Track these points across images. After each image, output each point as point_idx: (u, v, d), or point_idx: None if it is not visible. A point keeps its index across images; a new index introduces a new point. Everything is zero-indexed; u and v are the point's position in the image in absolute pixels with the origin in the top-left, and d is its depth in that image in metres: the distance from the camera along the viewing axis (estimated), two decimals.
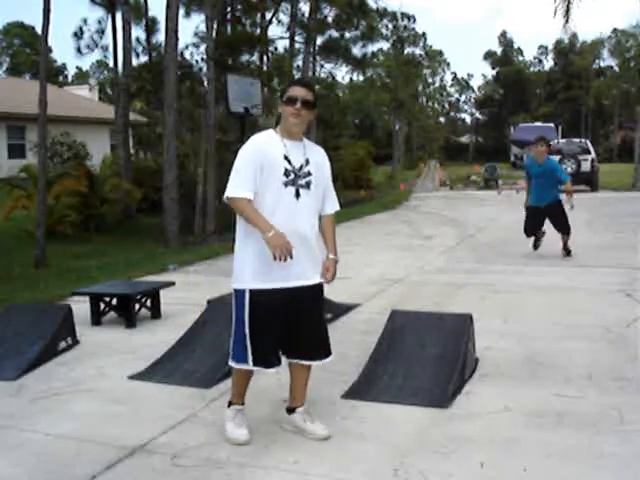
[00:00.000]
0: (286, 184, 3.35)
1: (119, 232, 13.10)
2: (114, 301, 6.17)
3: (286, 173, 3.34)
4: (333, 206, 3.62)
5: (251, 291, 3.35)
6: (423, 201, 19.93)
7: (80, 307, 6.14)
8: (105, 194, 13.49)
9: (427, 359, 4.24)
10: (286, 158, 3.35)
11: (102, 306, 6.14)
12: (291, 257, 3.22)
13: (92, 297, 6.14)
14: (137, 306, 6.12)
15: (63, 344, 5.22)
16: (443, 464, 3.14)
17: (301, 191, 3.38)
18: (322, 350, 3.51)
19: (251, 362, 3.38)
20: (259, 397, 4.07)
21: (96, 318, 6.08)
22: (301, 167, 3.40)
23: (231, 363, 3.48)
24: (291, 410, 3.59)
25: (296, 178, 3.37)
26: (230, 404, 3.58)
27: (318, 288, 3.50)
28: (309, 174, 3.41)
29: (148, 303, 6.26)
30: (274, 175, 3.33)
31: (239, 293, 3.39)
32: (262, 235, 3.22)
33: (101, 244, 11.74)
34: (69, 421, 3.79)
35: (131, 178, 14.86)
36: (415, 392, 3.98)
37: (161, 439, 3.51)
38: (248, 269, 3.35)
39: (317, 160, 3.49)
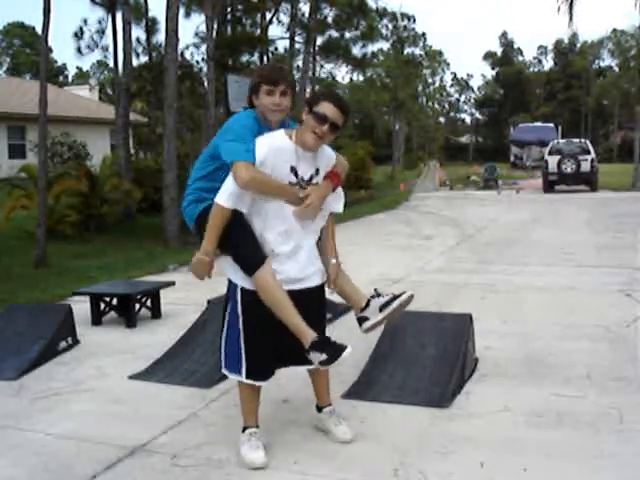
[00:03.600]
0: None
1: (119, 232, 13.09)
2: (114, 301, 6.17)
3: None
4: (337, 207, 3.38)
5: (242, 289, 3.17)
6: (423, 201, 19.93)
7: (80, 307, 6.14)
8: (105, 194, 13.48)
9: (427, 359, 4.24)
10: (293, 169, 3.14)
11: (102, 306, 6.14)
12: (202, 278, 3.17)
13: (92, 297, 6.14)
14: (137, 306, 6.12)
15: (63, 344, 5.22)
16: (443, 464, 3.14)
17: None
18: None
19: (244, 373, 3.20)
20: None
21: (96, 318, 6.08)
22: (311, 178, 3.20)
23: (224, 371, 3.32)
24: (319, 408, 3.56)
25: (301, 190, 3.15)
26: (244, 429, 3.30)
27: (320, 288, 3.37)
28: (317, 185, 3.22)
29: (148, 303, 6.26)
30: None
31: (232, 286, 3.23)
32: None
33: (101, 244, 11.74)
34: (69, 421, 3.79)
35: (131, 178, 14.86)
36: (415, 392, 3.98)
37: (161, 439, 3.52)
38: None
39: (327, 167, 3.28)
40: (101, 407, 4.03)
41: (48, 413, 3.94)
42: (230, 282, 3.26)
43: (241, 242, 3.12)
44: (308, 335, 3.04)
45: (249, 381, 3.23)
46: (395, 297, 3.29)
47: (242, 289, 3.18)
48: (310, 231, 3.28)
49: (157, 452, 3.36)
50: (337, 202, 3.40)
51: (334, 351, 2.99)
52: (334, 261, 3.35)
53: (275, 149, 3.10)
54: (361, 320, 3.36)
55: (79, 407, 4.03)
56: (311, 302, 3.27)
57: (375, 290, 3.41)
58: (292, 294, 3.13)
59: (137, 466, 3.22)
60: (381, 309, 3.28)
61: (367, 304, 3.33)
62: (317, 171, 3.23)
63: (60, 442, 3.52)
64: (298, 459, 3.23)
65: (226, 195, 3.08)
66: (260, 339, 3.19)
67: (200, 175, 3.29)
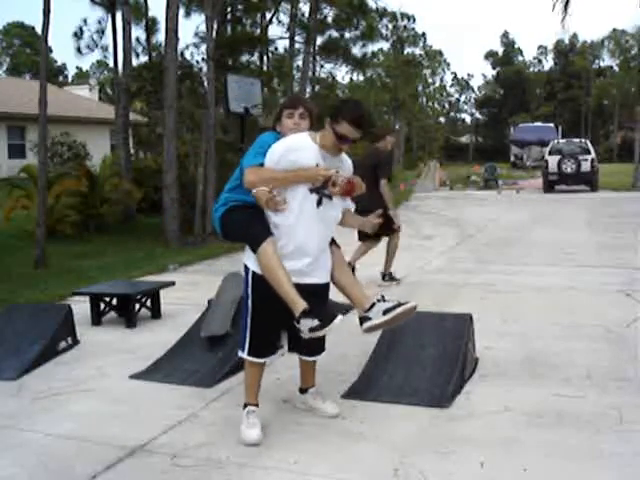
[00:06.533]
0: (311, 191, 3.41)
1: (119, 232, 13.09)
2: (114, 301, 6.17)
3: None
4: (350, 205, 3.73)
5: (253, 273, 3.46)
6: (423, 201, 19.92)
7: (80, 307, 6.14)
8: (105, 194, 13.47)
9: (427, 359, 4.24)
10: (317, 166, 3.39)
11: (102, 306, 6.14)
12: (279, 206, 3.34)
13: (92, 297, 6.14)
14: (137, 306, 6.12)
15: (63, 344, 5.22)
16: (443, 464, 3.14)
17: (324, 200, 3.45)
18: (319, 348, 3.70)
19: (247, 350, 3.50)
20: (259, 397, 4.06)
21: (96, 318, 6.09)
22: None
23: (239, 353, 3.58)
24: (303, 390, 3.82)
25: (322, 187, 3.40)
26: (245, 405, 3.57)
27: (323, 289, 3.59)
28: None
29: (148, 303, 6.26)
30: None
31: (246, 270, 3.52)
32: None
33: (101, 244, 11.74)
34: (69, 421, 3.80)
35: (131, 178, 14.84)
36: (415, 392, 3.98)
37: (161, 439, 3.52)
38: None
39: (346, 172, 3.54)
40: (101, 407, 4.03)
41: (48, 413, 3.94)
42: (245, 267, 3.53)
43: (250, 223, 3.49)
44: (299, 304, 3.25)
45: (250, 358, 3.51)
46: (400, 304, 3.46)
47: (253, 272, 3.46)
48: (326, 232, 3.53)
49: (157, 452, 3.36)
50: (349, 206, 3.73)
51: (326, 318, 3.19)
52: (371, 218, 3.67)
53: (294, 149, 3.39)
54: (363, 320, 3.52)
55: (79, 407, 4.03)
56: (314, 296, 3.45)
57: (382, 296, 3.58)
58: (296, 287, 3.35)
59: (137, 466, 3.23)
60: (384, 313, 3.44)
61: (372, 306, 3.50)
62: (337, 172, 3.46)
63: (60, 442, 3.52)
64: (298, 459, 3.23)
65: None
66: (264, 319, 3.45)
67: (229, 187, 3.70)
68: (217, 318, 4.75)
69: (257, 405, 3.59)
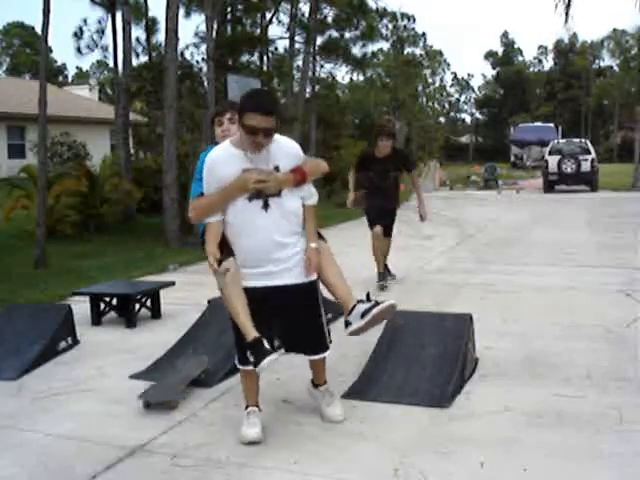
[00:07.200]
0: (250, 198, 3.28)
1: (119, 232, 13.08)
2: (114, 301, 6.17)
3: None
4: (312, 198, 3.48)
5: None
6: None
7: (80, 307, 6.14)
8: (105, 194, 13.47)
9: (427, 359, 4.24)
10: (244, 171, 3.25)
11: (102, 306, 6.14)
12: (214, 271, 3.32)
13: (92, 297, 6.14)
14: (137, 306, 6.12)
15: (63, 344, 5.22)
16: (443, 464, 3.14)
17: (270, 201, 3.30)
18: (316, 346, 3.56)
19: (237, 359, 3.51)
20: (259, 397, 4.06)
21: (96, 318, 6.09)
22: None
23: (234, 360, 3.61)
24: (315, 385, 3.77)
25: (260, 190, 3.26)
26: (246, 407, 3.56)
27: (304, 287, 3.43)
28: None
29: (148, 303, 6.26)
30: None
31: None
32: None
33: (101, 244, 11.73)
34: (69, 421, 3.79)
35: (131, 178, 14.84)
36: (415, 392, 3.98)
37: (161, 439, 3.52)
38: None
39: (289, 162, 3.34)
40: (101, 407, 4.03)
41: (48, 413, 3.94)
42: None
43: None
44: (250, 335, 3.22)
45: (240, 367, 3.51)
46: (377, 304, 3.37)
47: None
48: (285, 231, 3.37)
49: (157, 452, 3.36)
50: (310, 197, 3.48)
51: (257, 356, 3.16)
52: (313, 245, 3.42)
53: (216, 164, 3.30)
54: (346, 324, 3.47)
55: (79, 407, 4.03)
56: (291, 299, 3.38)
57: (367, 295, 3.48)
58: (263, 290, 3.33)
59: (137, 466, 3.23)
60: (362, 315, 3.36)
61: (353, 308, 3.42)
62: (277, 168, 3.30)
63: (60, 442, 3.52)
64: (298, 459, 3.23)
65: None
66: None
67: None
68: (165, 385, 4.19)
69: (257, 406, 3.57)
